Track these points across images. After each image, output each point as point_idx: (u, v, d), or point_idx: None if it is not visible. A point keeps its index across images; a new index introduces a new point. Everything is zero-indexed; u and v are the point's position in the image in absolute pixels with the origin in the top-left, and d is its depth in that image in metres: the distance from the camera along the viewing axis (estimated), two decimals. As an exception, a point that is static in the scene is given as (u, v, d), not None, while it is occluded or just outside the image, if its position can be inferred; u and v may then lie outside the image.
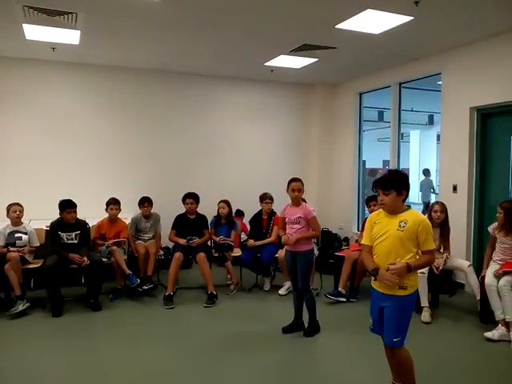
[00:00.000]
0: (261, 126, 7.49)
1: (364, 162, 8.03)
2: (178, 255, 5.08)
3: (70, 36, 5.12)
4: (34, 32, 4.99)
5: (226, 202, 5.61)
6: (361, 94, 7.39)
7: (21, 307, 4.46)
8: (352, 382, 3.24)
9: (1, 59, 5.96)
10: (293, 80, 7.45)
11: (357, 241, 5.32)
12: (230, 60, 6.23)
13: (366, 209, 5.28)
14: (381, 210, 2.79)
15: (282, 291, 5.28)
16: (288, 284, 5.25)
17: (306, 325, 4.10)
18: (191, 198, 5.41)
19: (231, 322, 4.44)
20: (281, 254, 5.30)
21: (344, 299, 4.94)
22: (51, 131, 6.25)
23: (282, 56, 5.95)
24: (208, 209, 5.62)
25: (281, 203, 5.70)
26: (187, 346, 3.85)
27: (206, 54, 5.89)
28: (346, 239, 6.60)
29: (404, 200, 2.70)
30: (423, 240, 2.62)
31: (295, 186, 4.01)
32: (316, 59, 6.06)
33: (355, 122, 7.37)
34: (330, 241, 6.40)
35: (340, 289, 4.99)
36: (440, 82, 5.83)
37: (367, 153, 7.76)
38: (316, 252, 4.61)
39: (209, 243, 5.56)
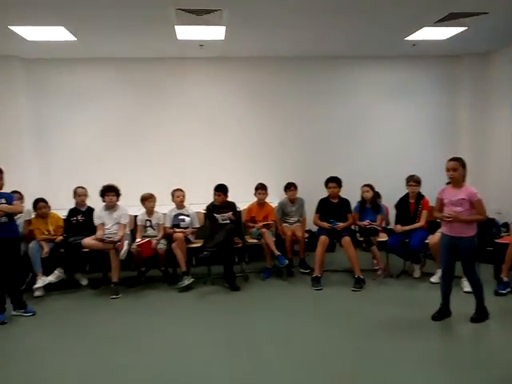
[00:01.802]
0: (402, 105, 7.16)
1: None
2: (323, 238, 5.19)
3: (216, 32, 5.42)
4: (185, 32, 5.37)
5: (370, 186, 5.53)
6: (518, 62, 6.58)
7: (186, 282, 5.03)
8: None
9: (155, 60, 6.61)
10: (436, 53, 6.94)
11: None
12: (368, 39, 6.04)
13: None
14: None
15: (434, 279, 5.06)
16: (441, 272, 5.02)
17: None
18: (334, 182, 5.44)
19: (381, 306, 4.43)
20: (431, 239, 5.08)
21: None
22: (200, 122, 6.79)
23: (425, 28, 5.58)
24: (351, 193, 5.59)
25: (428, 186, 5.49)
26: (340, 326, 3.97)
27: (345, 35, 5.80)
28: (506, 225, 6.00)
29: None
30: None
31: (450, 166, 3.85)
32: (464, 28, 5.56)
33: (513, 94, 6.59)
34: (487, 227, 5.89)
35: (504, 279, 4.64)
36: None
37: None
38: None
39: (352, 227, 5.56)
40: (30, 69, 6.33)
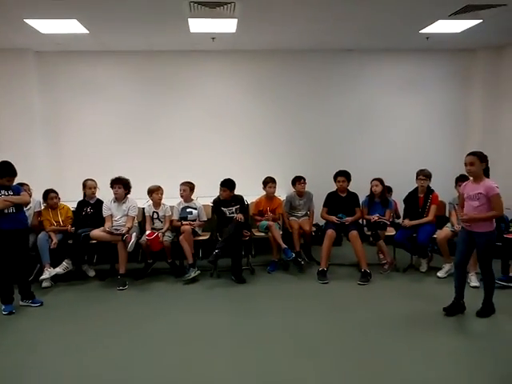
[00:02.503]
0: (413, 99, 7.07)
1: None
2: (330, 232, 5.17)
3: (227, 25, 5.41)
4: (197, 25, 5.38)
5: (380, 180, 5.48)
6: (535, 55, 6.43)
7: (193, 274, 5.06)
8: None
9: (167, 53, 6.63)
10: (450, 46, 6.82)
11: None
12: (381, 31, 5.95)
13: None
14: None
15: (440, 273, 5.02)
16: (448, 266, 4.99)
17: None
18: (343, 175, 5.42)
19: (387, 300, 4.41)
20: (439, 234, 5.03)
21: None
22: (210, 115, 6.80)
23: (440, 21, 5.48)
24: (361, 187, 5.55)
25: (439, 181, 5.43)
26: (345, 320, 3.95)
27: (357, 28, 5.72)
28: (515, 220, 5.90)
29: None
30: None
31: (467, 160, 3.81)
32: (480, 20, 5.45)
33: (528, 89, 6.46)
34: (496, 222, 5.79)
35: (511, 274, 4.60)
36: None
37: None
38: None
39: (360, 221, 5.53)
40: (43, 61, 6.42)
